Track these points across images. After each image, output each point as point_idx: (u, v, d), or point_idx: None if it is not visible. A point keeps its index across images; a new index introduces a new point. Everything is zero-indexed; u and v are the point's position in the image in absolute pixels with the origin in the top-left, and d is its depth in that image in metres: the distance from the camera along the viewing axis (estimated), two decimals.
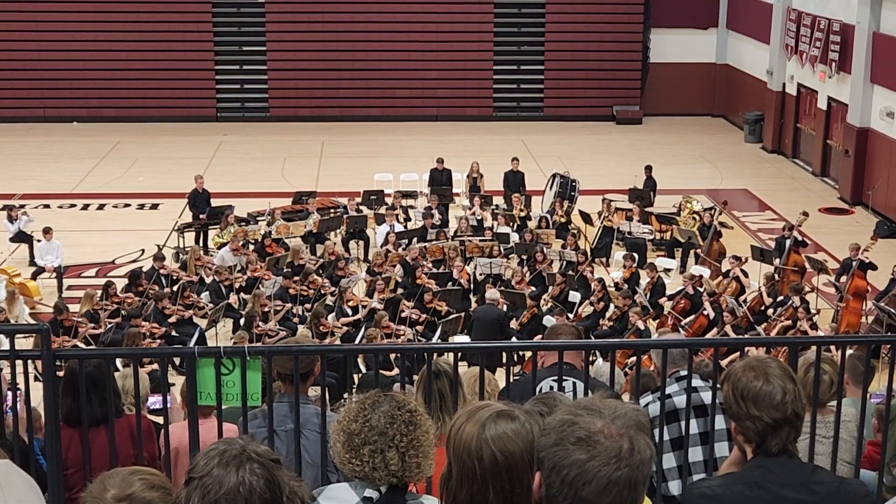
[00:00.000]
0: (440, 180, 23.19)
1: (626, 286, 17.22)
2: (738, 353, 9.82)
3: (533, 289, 17.44)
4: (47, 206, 23.20)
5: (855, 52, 24.34)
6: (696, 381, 4.92)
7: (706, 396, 4.90)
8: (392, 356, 14.08)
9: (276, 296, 16.72)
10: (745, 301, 17.11)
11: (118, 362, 10.43)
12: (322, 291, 17.14)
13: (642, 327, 15.53)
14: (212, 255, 19.17)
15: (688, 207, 21.56)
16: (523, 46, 32.50)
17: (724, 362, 9.96)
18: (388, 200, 21.91)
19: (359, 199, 21.86)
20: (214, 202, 21.29)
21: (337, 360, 13.07)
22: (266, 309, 16.04)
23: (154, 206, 23.69)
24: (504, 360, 13.09)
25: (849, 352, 5.26)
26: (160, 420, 5.46)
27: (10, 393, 4.73)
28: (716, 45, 33.21)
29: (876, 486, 4.63)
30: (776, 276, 17.92)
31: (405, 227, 20.89)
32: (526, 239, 19.40)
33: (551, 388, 5.05)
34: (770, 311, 16.73)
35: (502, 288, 17.31)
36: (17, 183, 24.90)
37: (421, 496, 3.16)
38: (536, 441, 2.44)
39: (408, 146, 28.67)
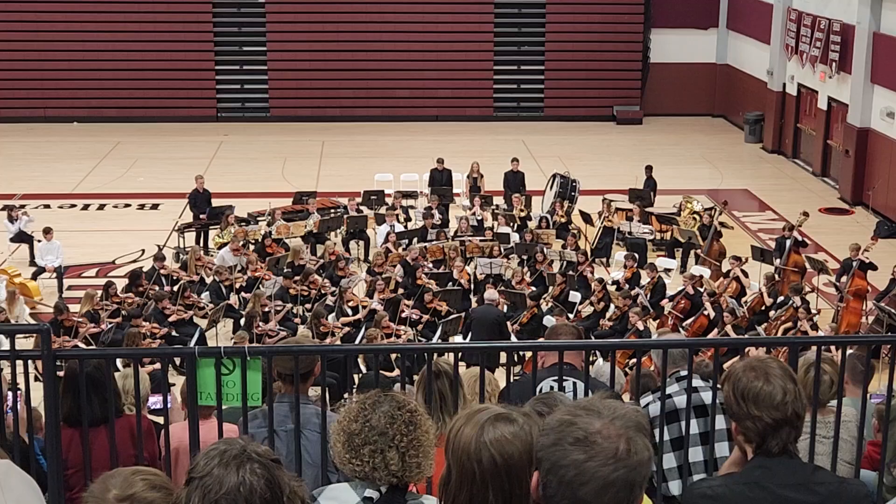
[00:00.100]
0: (440, 180, 23.19)
1: (627, 286, 17.22)
2: (738, 355, 9.85)
3: (534, 289, 17.44)
4: (48, 207, 23.20)
5: (855, 53, 24.34)
6: (697, 382, 4.92)
7: (706, 396, 4.90)
8: (392, 356, 14.09)
9: (277, 296, 16.72)
10: (745, 301, 17.11)
11: (118, 362, 10.43)
12: (322, 291, 17.15)
13: (642, 327, 15.53)
14: (212, 256, 19.17)
15: (688, 207, 21.56)
16: (524, 46, 32.50)
17: (726, 365, 9.96)
18: (389, 200, 21.91)
19: (359, 200, 21.86)
20: (215, 202, 21.30)
21: (337, 361, 13.06)
22: (266, 309, 16.04)
23: (154, 207, 23.69)
24: (502, 360, 13.12)
25: (849, 352, 5.25)
26: (160, 420, 5.46)
27: (10, 393, 4.73)
28: (716, 45, 33.22)
29: (876, 487, 4.63)
30: (776, 276, 17.91)
31: (405, 227, 20.90)
32: (526, 239, 19.40)
33: (552, 388, 5.05)
34: (770, 311, 16.72)
35: (502, 288, 17.31)
36: (18, 183, 24.90)
37: (421, 496, 3.17)
38: (535, 442, 2.44)
39: (408, 146, 28.68)
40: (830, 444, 4.67)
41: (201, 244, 20.14)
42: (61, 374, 5.32)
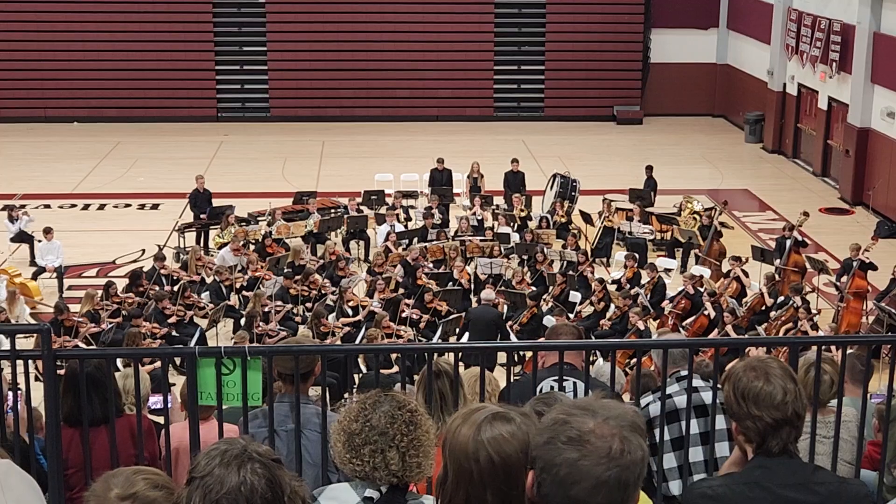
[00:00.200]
0: (440, 180, 23.19)
1: (629, 286, 17.22)
2: (738, 355, 9.85)
3: (534, 289, 17.44)
4: (48, 207, 23.20)
5: (855, 53, 24.34)
6: (697, 381, 4.92)
7: (707, 396, 4.90)
8: (392, 356, 14.09)
9: (277, 296, 16.72)
10: (745, 301, 17.11)
11: (119, 362, 10.44)
12: (323, 291, 17.15)
13: (643, 327, 15.53)
14: (212, 256, 19.18)
15: (688, 207, 21.56)
16: (524, 46, 32.50)
17: (728, 366, 9.95)
18: (389, 200, 21.91)
19: (359, 200, 21.86)
20: (215, 202, 21.30)
21: (337, 361, 13.07)
22: (266, 309, 16.04)
23: (154, 207, 23.69)
24: (500, 360, 13.12)
25: (849, 352, 5.25)
26: (161, 420, 5.46)
27: (10, 393, 4.73)
28: (716, 45, 33.22)
29: (876, 487, 4.63)
30: (777, 276, 17.92)
31: (406, 227, 20.90)
32: (526, 239, 19.40)
33: (552, 388, 5.05)
34: (771, 311, 16.72)
35: (503, 288, 17.31)
36: (18, 183, 24.90)
37: (421, 496, 3.17)
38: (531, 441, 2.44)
39: (408, 146, 28.68)
40: (831, 443, 4.67)
41: (202, 244, 20.14)
42: (62, 371, 5.32)
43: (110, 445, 4.63)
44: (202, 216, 20.93)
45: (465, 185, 23.21)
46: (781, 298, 16.79)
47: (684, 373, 4.84)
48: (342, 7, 31.27)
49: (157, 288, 16.73)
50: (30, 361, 4.56)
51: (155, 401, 8.02)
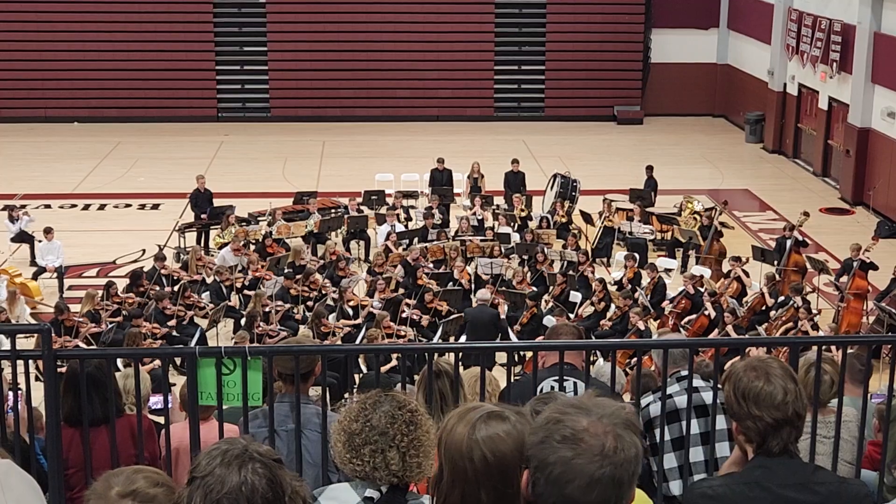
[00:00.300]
0: (441, 180, 23.19)
1: (630, 286, 17.22)
2: (739, 355, 9.83)
3: (535, 289, 17.45)
4: (48, 207, 23.21)
5: (856, 53, 24.34)
6: (697, 381, 4.92)
7: (707, 396, 4.90)
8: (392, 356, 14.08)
9: (278, 296, 16.72)
10: (746, 301, 17.11)
11: (119, 362, 10.44)
12: (323, 291, 17.15)
13: (643, 327, 15.53)
14: (213, 256, 19.18)
15: (689, 207, 21.56)
16: (524, 47, 32.50)
17: (727, 365, 9.95)
18: (389, 200, 21.91)
19: (360, 200, 21.86)
20: (216, 202, 21.30)
21: (338, 361, 13.07)
22: (267, 309, 16.04)
23: (155, 207, 23.70)
24: (499, 360, 13.14)
25: (849, 351, 5.25)
26: (161, 420, 5.46)
27: (11, 393, 4.73)
28: (717, 45, 33.22)
29: (877, 487, 4.63)
30: (777, 276, 17.91)
31: (406, 227, 20.90)
32: (527, 239, 19.40)
33: (552, 388, 5.05)
34: (771, 311, 16.72)
35: (503, 288, 17.31)
36: (18, 183, 24.90)
37: (422, 496, 3.17)
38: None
39: (409, 146, 28.68)
40: (831, 443, 4.67)
41: (202, 244, 20.14)
42: (63, 369, 5.33)
43: (110, 445, 4.63)
44: (203, 216, 20.93)
45: (465, 185, 23.21)
46: (782, 298, 16.79)
47: (685, 373, 4.84)
48: (342, 7, 31.27)
49: (158, 288, 16.73)
50: (30, 361, 4.56)
51: (155, 401, 8.02)
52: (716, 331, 16.00)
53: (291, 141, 29.59)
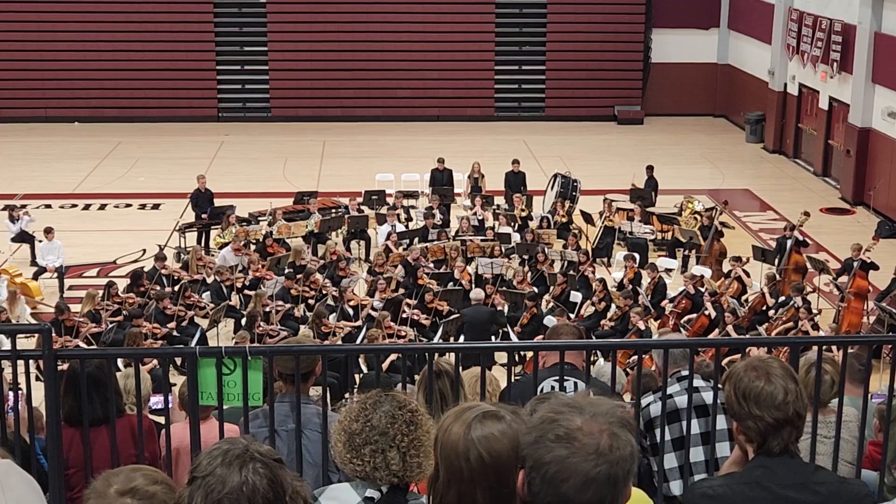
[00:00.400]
0: (441, 180, 23.19)
1: (630, 287, 17.22)
2: (739, 355, 9.82)
3: (535, 289, 17.45)
4: (49, 207, 23.21)
5: (856, 53, 24.34)
6: (698, 381, 4.92)
7: (707, 396, 4.89)
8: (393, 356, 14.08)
9: (278, 296, 16.72)
10: (746, 301, 17.11)
11: (119, 362, 10.44)
12: (324, 291, 17.15)
13: (643, 327, 15.53)
14: (213, 256, 19.17)
15: (689, 207, 21.56)
16: (525, 46, 32.50)
17: (724, 362, 9.96)
18: (390, 200, 21.92)
19: (360, 200, 21.87)
20: (216, 202, 21.30)
21: (338, 360, 13.08)
22: (267, 309, 16.04)
23: (155, 207, 23.70)
24: (500, 361, 13.13)
25: (849, 351, 5.25)
26: (161, 420, 5.46)
27: (11, 393, 4.73)
28: (717, 45, 33.21)
29: (877, 487, 4.63)
30: (777, 276, 17.91)
31: (406, 227, 20.90)
32: (527, 239, 19.40)
33: (552, 388, 5.05)
34: (772, 311, 16.72)
35: (503, 288, 17.32)
36: (19, 183, 24.91)
37: (422, 496, 3.17)
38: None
39: (409, 146, 28.68)
40: (831, 443, 4.67)
41: (202, 244, 20.15)
42: (64, 367, 5.33)
43: (111, 445, 4.63)
44: (203, 216, 20.93)
45: (465, 185, 23.22)
46: (782, 298, 16.79)
47: (685, 373, 4.84)
48: (343, 7, 31.27)
49: (158, 288, 16.73)
50: (30, 361, 4.56)
51: (156, 401, 8.02)
52: (716, 331, 16.01)
53: (292, 141, 29.60)
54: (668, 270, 19.24)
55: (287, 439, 4.65)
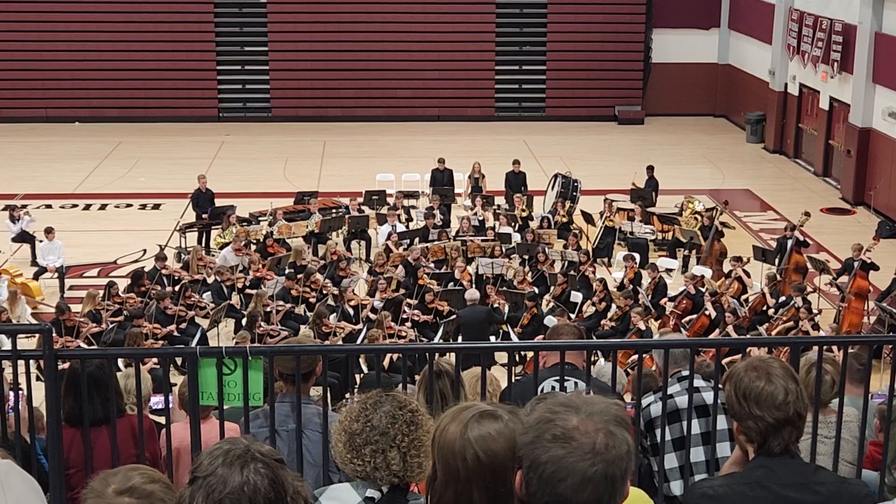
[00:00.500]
0: (442, 180, 23.19)
1: (631, 287, 17.22)
2: (739, 354, 9.82)
3: (535, 289, 17.45)
4: (49, 207, 23.21)
5: (857, 53, 24.33)
6: (698, 382, 4.92)
7: (708, 396, 4.89)
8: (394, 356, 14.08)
9: (278, 296, 16.72)
10: (747, 301, 17.11)
11: (120, 362, 10.44)
12: (324, 291, 17.15)
13: (644, 327, 15.53)
14: (214, 256, 19.18)
15: (689, 207, 21.56)
16: (525, 47, 32.50)
17: (725, 362, 9.96)
18: (390, 200, 21.92)
19: (361, 200, 21.87)
20: (217, 202, 21.30)
21: (339, 361, 13.08)
22: (268, 309, 16.04)
23: (156, 207, 23.70)
24: (501, 361, 13.13)
25: (849, 351, 5.25)
26: (161, 420, 5.46)
27: (12, 393, 4.73)
28: (718, 45, 33.21)
29: (878, 487, 4.63)
30: (778, 276, 17.91)
31: (407, 227, 20.91)
32: (528, 239, 19.40)
33: (553, 388, 5.05)
34: (772, 311, 16.72)
35: (504, 288, 17.32)
36: (19, 183, 24.91)
37: (423, 496, 3.17)
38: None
39: (409, 146, 28.68)
40: (832, 444, 4.67)
41: (203, 244, 20.15)
42: (64, 366, 5.33)
43: (111, 445, 4.63)
44: (204, 216, 20.93)
45: (466, 185, 23.22)
46: (783, 298, 16.79)
47: (685, 373, 4.84)
48: (343, 7, 31.27)
49: (159, 288, 16.73)
50: (31, 361, 4.56)
51: (157, 401, 8.02)
52: (716, 331, 16.00)
53: (292, 141, 29.60)
54: (668, 270, 19.24)
55: (287, 439, 4.65)
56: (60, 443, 4.45)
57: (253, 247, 19.22)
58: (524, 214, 21.30)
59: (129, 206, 23.74)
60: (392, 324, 15.52)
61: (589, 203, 22.03)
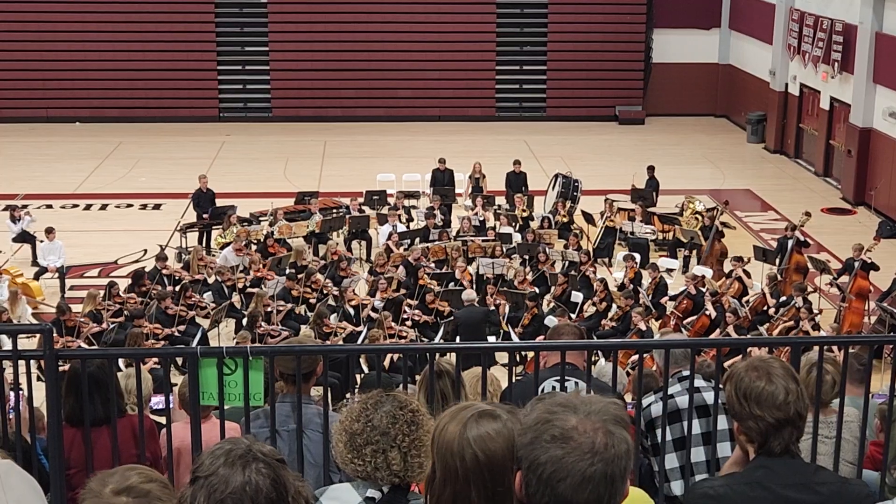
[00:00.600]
0: (442, 180, 23.19)
1: (631, 287, 17.22)
2: (740, 354, 9.83)
3: (536, 289, 17.45)
4: (50, 207, 23.21)
5: (857, 53, 24.33)
6: (699, 382, 4.92)
7: (708, 397, 4.90)
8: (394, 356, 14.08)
9: (279, 296, 16.73)
10: (747, 301, 17.10)
11: (121, 362, 10.44)
12: (325, 292, 17.15)
13: (644, 328, 15.52)
14: (214, 256, 19.18)
15: (690, 208, 21.56)
16: (526, 47, 32.50)
17: (727, 364, 9.95)
18: (391, 201, 21.92)
19: (361, 200, 21.87)
20: (217, 202, 21.31)
21: (339, 361, 13.07)
22: (269, 309, 16.04)
23: (156, 207, 23.70)
24: (501, 361, 13.12)
25: (850, 351, 5.25)
26: (162, 420, 5.46)
27: (12, 393, 4.73)
28: (718, 45, 33.21)
29: (878, 487, 4.63)
30: (778, 276, 17.91)
31: (408, 227, 20.90)
32: (528, 239, 19.40)
33: (554, 388, 5.05)
34: (773, 311, 16.72)
35: (504, 288, 17.32)
36: (20, 183, 24.91)
37: (423, 496, 3.17)
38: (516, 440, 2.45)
39: (410, 146, 28.68)
40: (832, 444, 4.67)
41: (204, 244, 20.16)
42: (64, 368, 5.33)
43: (112, 445, 4.63)
44: (204, 216, 20.94)
45: (466, 185, 23.22)
46: (784, 298, 16.79)
47: (686, 373, 4.84)
48: (344, 7, 31.27)
49: (160, 288, 16.73)
50: (32, 361, 4.56)
51: (157, 401, 8.02)
52: (717, 331, 16.00)
53: (293, 141, 29.60)
54: (669, 271, 19.24)
55: (288, 439, 4.65)
56: (61, 443, 4.45)
57: (254, 247, 19.22)
58: (525, 214, 21.30)
59: (129, 206, 23.74)
60: (392, 324, 15.52)
61: (589, 203, 22.02)
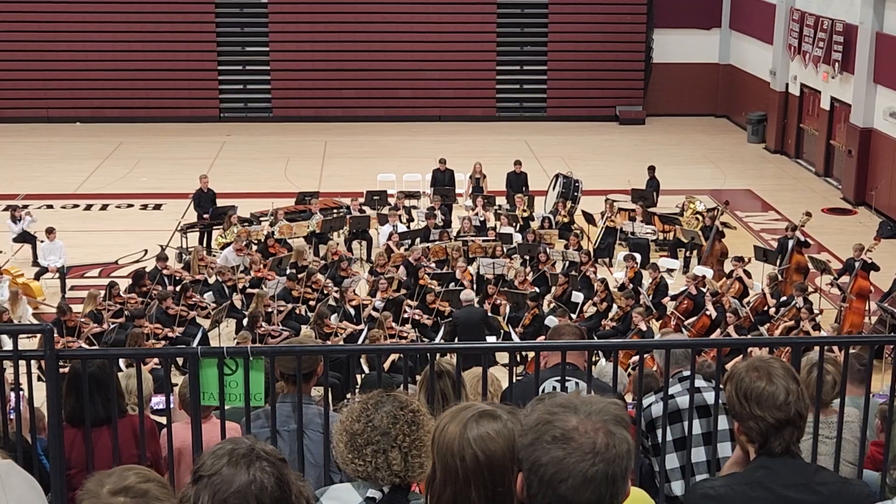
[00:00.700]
0: (443, 181, 23.19)
1: (631, 287, 17.22)
2: (741, 355, 9.84)
3: (536, 289, 17.44)
4: (50, 207, 23.22)
5: (858, 53, 24.33)
6: (699, 382, 4.92)
7: (709, 397, 4.90)
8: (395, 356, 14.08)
9: (280, 296, 16.73)
10: (748, 301, 17.10)
11: (121, 362, 10.45)
12: (325, 292, 17.15)
13: (645, 328, 15.52)
14: (215, 256, 19.18)
15: (691, 208, 21.56)
16: (526, 47, 32.50)
17: (728, 365, 9.95)
18: (391, 201, 21.92)
19: (362, 200, 21.87)
20: (218, 203, 21.31)
21: (340, 361, 13.08)
22: (269, 309, 16.04)
23: (157, 207, 23.71)
24: (501, 361, 13.13)
25: (850, 351, 5.25)
26: (162, 420, 5.46)
27: (13, 393, 4.73)
28: (719, 45, 33.20)
29: (879, 487, 4.63)
30: (779, 276, 17.91)
31: (408, 227, 20.90)
32: (529, 239, 19.40)
33: (554, 388, 5.05)
34: (773, 311, 16.72)
35: (505, 288, 17.32)
36: (21, 183, 24.92)
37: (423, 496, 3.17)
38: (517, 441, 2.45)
39: (410, 146, 28.68)
40: (833, 444, 4.67)
41: (204, 244, 20.16)
42: (65, 369, 5.33)
43: (112, 446, 4.63)
44: (205, 216, 20.94)
45: (467, 185, 23.22)
46: (784, 298, 16.79)
47: (686, 373, 4.84)
48: (344, 7, 31.27)
49: (160, 288, 16.73)
50: (32, 362, 4.57)
51: (158, 401, 8.03)
52: (718, 331, 16.00)
53: (293, 141, 29.60)
54: (669, 271, 19.23)
55: (289, 440, 4.65)
56: (61, 443, 4.45)
57: (254, 247, 19.22)
58: (525, 215, 21.30)
59: (130, 206, 23.75)
60: (393, 324, 15.52)
61: (590, 203, 22.02)
